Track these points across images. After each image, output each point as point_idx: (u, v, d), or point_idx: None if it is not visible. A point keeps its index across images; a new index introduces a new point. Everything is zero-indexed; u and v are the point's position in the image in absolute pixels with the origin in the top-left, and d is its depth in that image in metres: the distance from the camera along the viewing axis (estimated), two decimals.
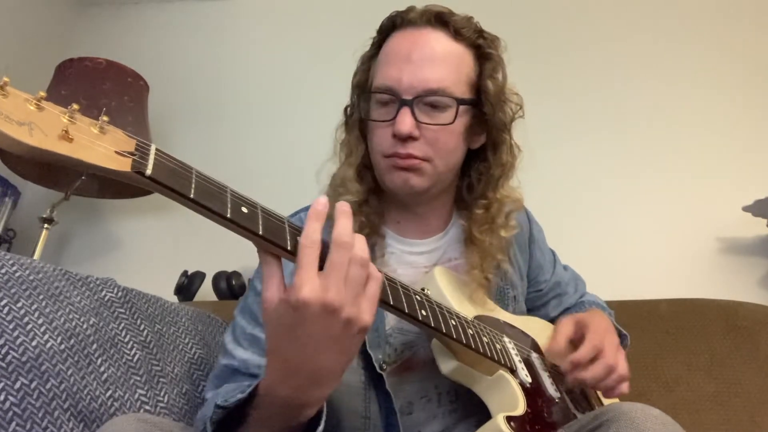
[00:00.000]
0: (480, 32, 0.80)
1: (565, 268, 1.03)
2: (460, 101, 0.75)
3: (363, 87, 0.82)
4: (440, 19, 0.77)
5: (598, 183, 1.55)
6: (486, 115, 0.78)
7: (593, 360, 0.74)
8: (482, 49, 0.79)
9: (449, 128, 0.75)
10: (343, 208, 0.49)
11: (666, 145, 1.54)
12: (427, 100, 0.74)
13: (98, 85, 1.54)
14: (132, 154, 0.41)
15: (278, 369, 0.49)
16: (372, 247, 0.79)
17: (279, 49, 1.95)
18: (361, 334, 0.48)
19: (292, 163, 1.74)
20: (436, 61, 0.75)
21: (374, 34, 0.84)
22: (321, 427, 0.53)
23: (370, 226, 0.79)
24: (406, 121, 0.73)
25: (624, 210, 1.50)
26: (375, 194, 0.81)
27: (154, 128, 1.70)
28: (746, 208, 1.34)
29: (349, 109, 0.85)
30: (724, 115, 1.53)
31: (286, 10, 2.00)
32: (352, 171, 0.80)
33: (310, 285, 0.45)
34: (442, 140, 0.75)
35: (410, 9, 0.79)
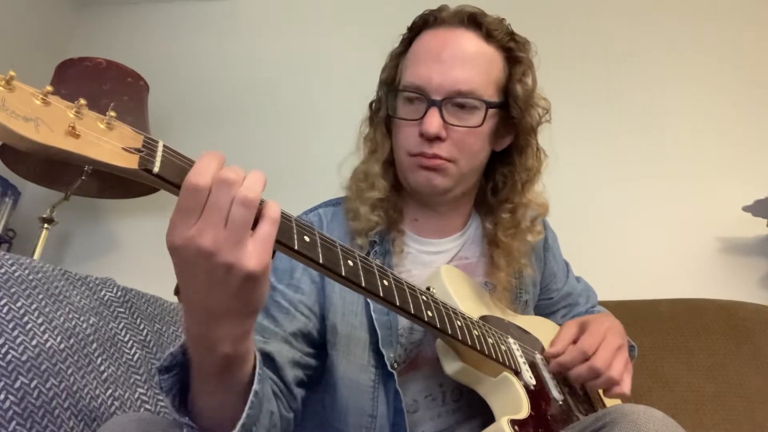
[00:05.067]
0: (511, 35, 0.79)
1: (578, 279, 1.02)
2: (489, 104, 0.74)
3: (391, 84, 0.82)
4: (473, 20, 0.76)
5: (598, 183, 1.55)
6: (513, 118, 0.78)
7: (585, 360, 0.73)
8: (513, 52, 0.78)
9: (476, 131, 0.75)
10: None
11: (666, 145, 1.54)
12: (456, 101, 0.74)
13: (98, 85, 1.54)
14: (139, 150, 0.40)
15: (184, 307, 0.47)
16: (392, 242, 0.79)
17: (279, 48, 1.95)
18: (250, 282, 0.43)
19: (292, 162, 1.74)
20: (466, 62, 0.74)
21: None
22: (255, 387, 0.51)
23: (388, 221, 0.79)
24: (433, 122, 0.72)
25: (624, 210, 1.51)
26: (395, 190, 0.81)
27: (154, 128, 1.70)
28: (746, 208, 1.34)
29: (374, 104, 0.85)
30: (724, 115, 1.53)
31: (286, 10, 2.00)
32: (378, 167, 0.80)
33: (179, 229, 0.42)
34: (469, 142, 0.75)
35: (443, 8, 0.79)
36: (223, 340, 0.46)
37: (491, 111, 0.75)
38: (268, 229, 0.44)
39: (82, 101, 0.38)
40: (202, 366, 0.49)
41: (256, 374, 0.51)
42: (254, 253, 0.43)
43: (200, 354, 0.48)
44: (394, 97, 0.80)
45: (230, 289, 0.43)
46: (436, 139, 0.73)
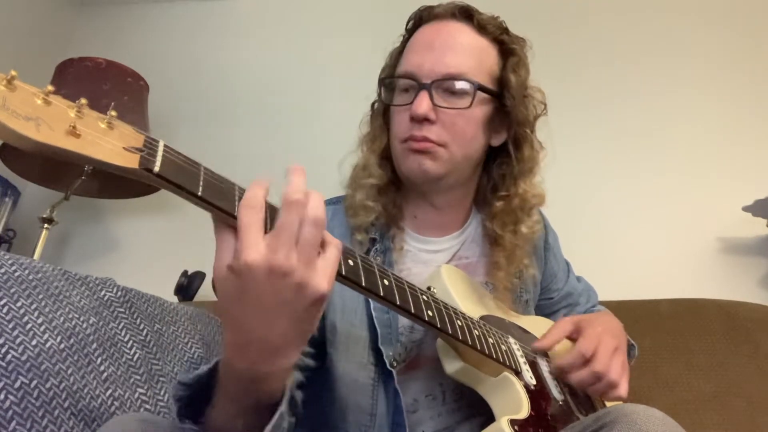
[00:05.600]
0: (505, 30, 0.81)
1: (579, 279, 1.02)
2: (479, 87, 0.75)
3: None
4: (465, 13, 0.79)
5: (598, 183, 1.55)
6: (507, 108, 0.78)
7: (586, 364, 0.73)
8: (506, 44, 0.80)
9: (467, 114, 0.75)
10: (296, 166, 0.46)
11: (666, 145, 1.54)
12: (446, 84, 0.75)
13: (98, 85, 1.55)
14: (140, 150, 0.40)
15: (232, 341, 0.46)
16: (392, 239, 0.79)
17: (279, 48, 1.95)
18: (318, 304, 0.44)
19: (292, 162, 1.74)
20: (457, 50, 0.76)
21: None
22: (282, 408, 0.50)
23: (387, 216, 0.79)
24: (422, 103, 0.73)
25: (624, 210, 1.51)
26: (394, 185, 0.81)
27: (154, 128, 1.70)
28: (746, 208, 1.34)
29: (376, 104, 0.86)
30: (724, 115, 1.53)
31: (286, 10, 2.00)
32: (374, 157, 0.81)
33: (253, 247, 0.41)
34: (459, 125, 0.75)
35: (438, 5, 0.81)
36: (274, 376, 0.46)
37: (482, 96, 0.76)
38: (334, 254, 0.45)
39: (83, 101, 0.38)
40: (239, 398, 0.48)
41: (285, 398, 0.51)
42: (323, 273, 0.43)
43: (241, 389, 0.48)
44: (390, 89, 0.81)
45: (296, 312, 0.43)
46: (426, 121, 0.74)
